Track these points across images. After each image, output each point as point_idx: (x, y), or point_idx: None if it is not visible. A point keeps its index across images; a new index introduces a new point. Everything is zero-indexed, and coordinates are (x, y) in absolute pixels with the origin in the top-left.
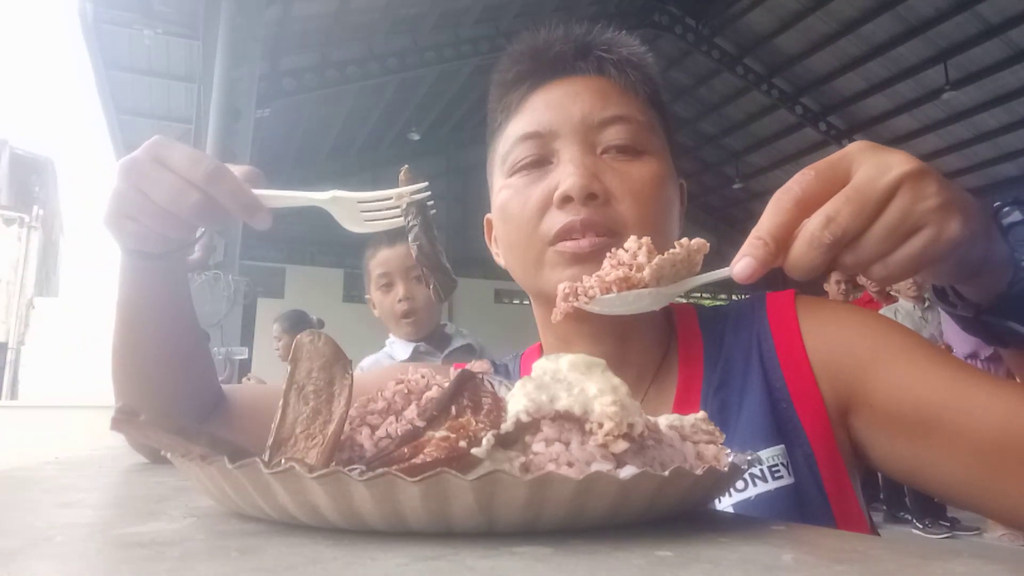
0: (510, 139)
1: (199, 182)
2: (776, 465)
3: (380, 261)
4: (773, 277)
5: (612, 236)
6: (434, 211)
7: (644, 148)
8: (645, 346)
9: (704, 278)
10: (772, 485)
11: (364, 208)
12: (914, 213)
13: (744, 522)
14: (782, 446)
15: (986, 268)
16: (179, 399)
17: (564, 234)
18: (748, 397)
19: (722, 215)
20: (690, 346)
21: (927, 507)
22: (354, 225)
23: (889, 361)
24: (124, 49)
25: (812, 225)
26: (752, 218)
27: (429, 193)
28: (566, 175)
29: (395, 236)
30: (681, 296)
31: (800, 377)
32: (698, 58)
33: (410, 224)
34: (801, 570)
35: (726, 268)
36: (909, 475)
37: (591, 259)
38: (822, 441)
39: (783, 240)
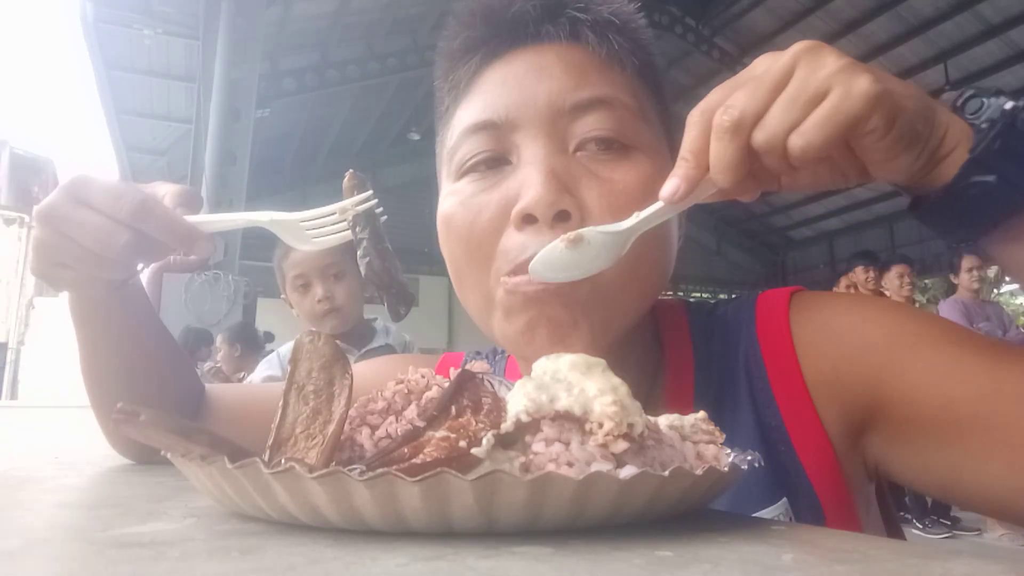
0: (457, 129)
1: (126, 220)
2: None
3: (294, 263)
4: (772, 273)
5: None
6: (384, 218)
7: (632, 142)
8: (633, 361)
9: (644, 214)
10: None
11: (308, 227)
12: (815, 80)
13: (744, 522)
14: (784, 500)
15: (944, 148)
16: (164, 406)
17: (521, 269)
18: (739, 439)
19: (722, 215)
20: (680, 363)
21: (927, 507)
22: (302, 243)
23: (907, 358)
24: (124, 49)
25: (715, 119)
26: (753, 218)
27: (376, 202)
28: (528, 184)
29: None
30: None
31: (798, 408)
32: (698, 58)
33: (358, 238)
34: (801, 570)
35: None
36: (947, 490)
37: (553, 298)
38: (829, 485)
39: (702, 152)
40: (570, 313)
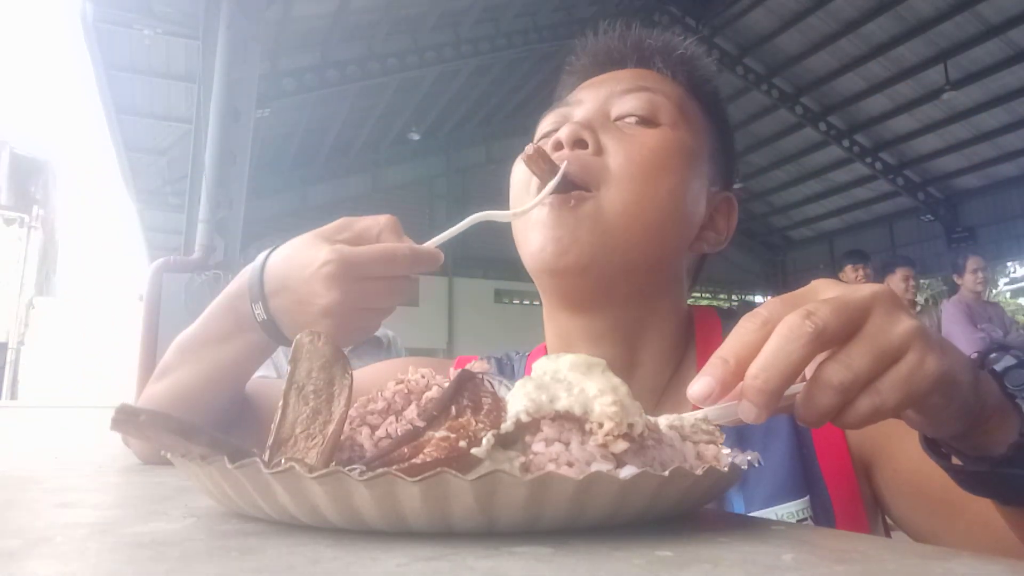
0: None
1: (406, 271)
2: (806, 519)
3: None
4: (772, 273)
5: (592, 186)
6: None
7: (666, 122)
8: (655, 354)
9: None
10: None
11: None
12: (895, 335)
13: (744, 522)
14: (807, 497)
15: (984, 414)
16: (218, 417)
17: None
18: (775, 436)
19: None
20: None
21: None
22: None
23: (905, 429)
24: (124, 49)
25: (791, 319)
26: (752, 218)
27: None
28: (562, 128)
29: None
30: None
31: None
32: None
33: None
34: (801, 570)
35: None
36: (927, 543)
37: (562, 216)
38: (843, 492)
39: (745, 360)
40: (572, 231)
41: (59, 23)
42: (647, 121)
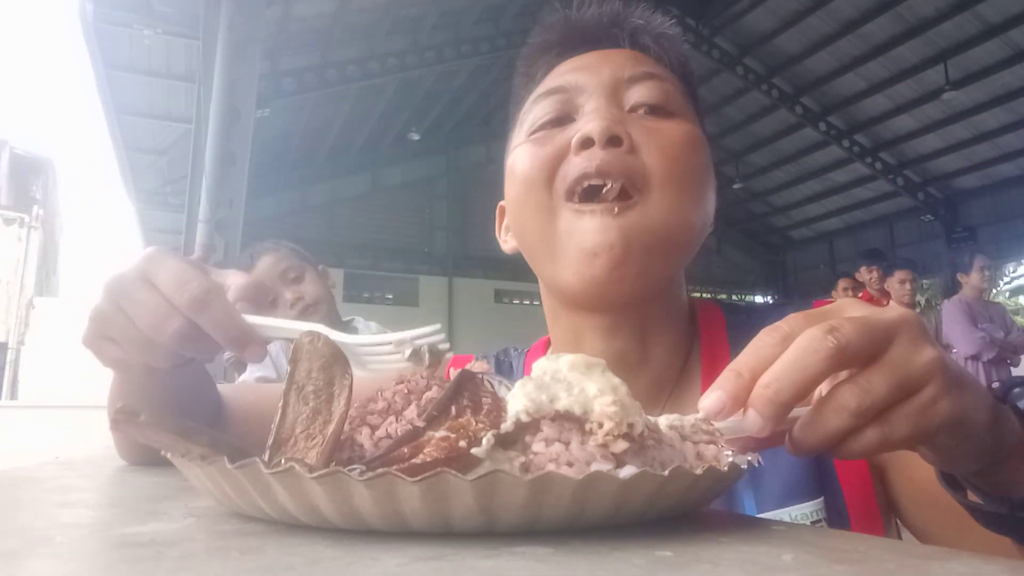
0: (531, 100)
1: (183, 306)
2: (819, 520)
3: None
4: (772, 273)
5: (632, 190)
6: (449, 354)
7: (675, 111)
8: (666, 347)
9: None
10: None
11: (364, 352)
12: (916, 365)
13: (744, 522)
14: (822, 499)
15: (1002, 453)
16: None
17: (577, 182)
18: None
19: (722, 215)
20: (715, 354)
21: None
22: (357, 366)
23: None
24: (124, 49)
25: (813, 332)
26: (753, 218)
27: (443, 337)
28: (588, 120)
29: (251, 257)
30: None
31: None
32: (698, 58)
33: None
34: (801, 570)
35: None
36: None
37: (611, 223)
38: (857, 494)
39: (759, 374)
40: (625, 241)
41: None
42: (661, 111)
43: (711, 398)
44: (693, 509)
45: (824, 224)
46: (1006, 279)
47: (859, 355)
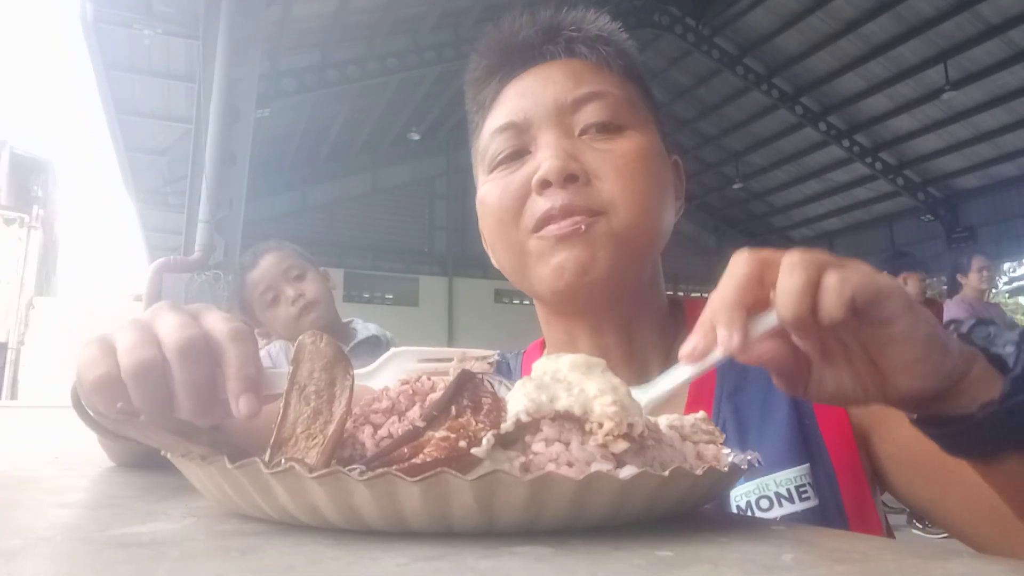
0: (487, 135)
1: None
2: (803, 485)
3: (256, 280)
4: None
5: (597, 215)
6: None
7: (625, 123)
8: (650, 339)
9: (665, 385)
10: (799, 506)
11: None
12: (840, 260)
13: (744, 522)
14: (807, 465)
15: (958, 372)
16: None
17: (544, 222)
18: (773, 408)
19: (722, 215)
20: None
21: None
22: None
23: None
24: (124, 49)
25: (788, 256)
26: (753, 218)
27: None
28: (543, 159)
29: (255, 255)
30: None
31: None
32: (698, 58)
33: None
34: (801, 570)
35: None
36: (925, 512)
37: (576, 240)
38: (845, 461)
39: (736, 308)
40: (590, 250)
41: (59, 23)
42: (610, 127)
43: (685, 345)
44: (693, 509)
45: (824, 224)
46: (1004, 279)
47: (778, 257)
